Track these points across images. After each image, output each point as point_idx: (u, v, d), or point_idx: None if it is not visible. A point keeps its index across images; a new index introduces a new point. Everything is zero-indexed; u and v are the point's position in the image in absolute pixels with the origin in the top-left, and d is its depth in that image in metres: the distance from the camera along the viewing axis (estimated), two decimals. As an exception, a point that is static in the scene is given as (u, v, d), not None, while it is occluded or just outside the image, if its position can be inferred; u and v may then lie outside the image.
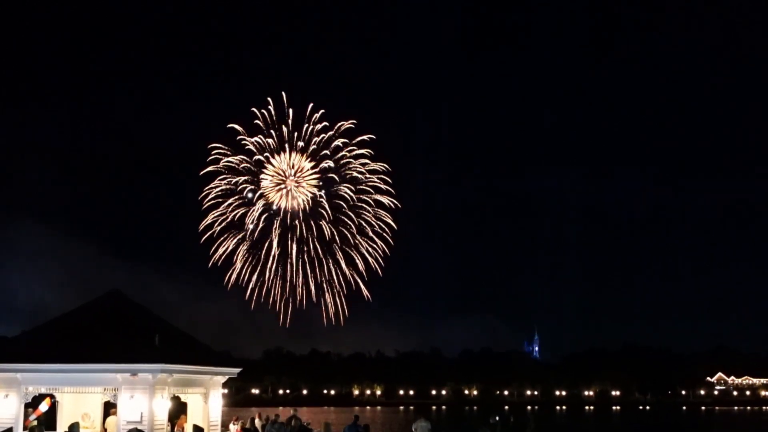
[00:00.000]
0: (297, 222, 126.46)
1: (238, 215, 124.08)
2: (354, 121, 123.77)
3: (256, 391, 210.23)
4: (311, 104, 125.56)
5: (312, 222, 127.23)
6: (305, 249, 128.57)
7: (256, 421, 33.89)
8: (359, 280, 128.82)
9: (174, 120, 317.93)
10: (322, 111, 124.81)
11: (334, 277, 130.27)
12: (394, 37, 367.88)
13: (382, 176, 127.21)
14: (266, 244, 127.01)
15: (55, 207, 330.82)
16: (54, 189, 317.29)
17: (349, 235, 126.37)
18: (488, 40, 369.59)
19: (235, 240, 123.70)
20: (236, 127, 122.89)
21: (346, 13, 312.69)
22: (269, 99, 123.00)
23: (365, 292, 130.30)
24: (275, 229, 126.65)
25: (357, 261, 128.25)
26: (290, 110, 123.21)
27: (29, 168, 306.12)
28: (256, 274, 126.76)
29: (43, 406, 28.82)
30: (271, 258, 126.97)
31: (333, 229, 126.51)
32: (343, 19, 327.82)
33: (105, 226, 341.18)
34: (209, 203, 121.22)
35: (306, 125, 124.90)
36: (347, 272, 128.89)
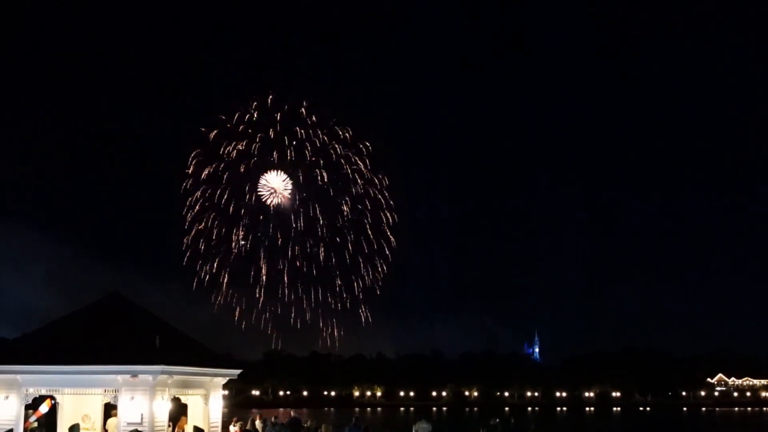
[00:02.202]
0: (288, 244, 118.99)
1: (222, 231, 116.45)
2: (348, 129, 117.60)
3: (256, 393, 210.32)
4: (304, 107, 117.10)
5: (307, 243, 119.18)
6: (298, 274, 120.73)
7: (257, 422, 33.91)
8: (358, 298, 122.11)
9: (159, 120, 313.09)
10: (314, 117, 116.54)
11: (330, 304, 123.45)
12: (390, 46, 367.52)
13: (380, 187, 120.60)
14: (254, 269, 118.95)
15: (38, 208, 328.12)
16: (37, 190, 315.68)
17: (347, 255, 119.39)
18: (487, 45, 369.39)
19: (218, 260, 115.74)
20: (223, 122, 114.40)
21: (344, 20, 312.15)
22: (257, 102, 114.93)
23: (363, 314, 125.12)
24: (263, 253, 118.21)
25: (354, 284, 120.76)
26: (278, 115, 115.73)
27: (11, 169, 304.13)
28: (244, 300, 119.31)
29: (44, 408, 28.84)
30: (259, 286, 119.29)
31: (328, 251, 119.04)
32: (341, 27, 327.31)
33: (89, 228, 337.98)
34: (192, 215, 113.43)
35: (298, 129, 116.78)
36: (344, 297, 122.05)
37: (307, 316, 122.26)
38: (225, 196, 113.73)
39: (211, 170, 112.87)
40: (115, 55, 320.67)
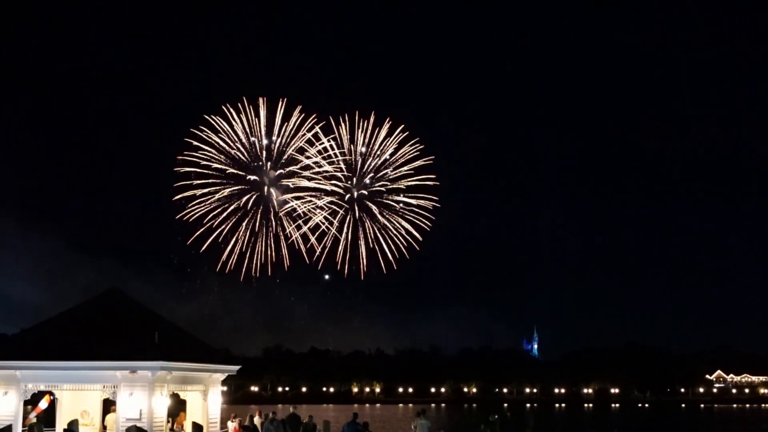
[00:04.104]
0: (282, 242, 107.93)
1: (214, 227, 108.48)
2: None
3: (255, 389, 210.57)
4: (299, 108, 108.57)
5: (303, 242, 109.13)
6: (295, 273, 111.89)
7: (255, 418, 33.91)
8: (356, 294, 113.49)
9: (145, 109, 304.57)
10: (314, 117, 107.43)
11: (328, 300, 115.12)
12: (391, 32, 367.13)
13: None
14: (249, 266, 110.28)
15: (18, 200, 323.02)
16: (17, 180, 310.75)
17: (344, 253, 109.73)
18: (487, 49, 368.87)
19: (211, 257, 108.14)
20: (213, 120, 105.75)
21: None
22: (249, 99, 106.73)
23: (361, 310, 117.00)
24: (258, 251, 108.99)
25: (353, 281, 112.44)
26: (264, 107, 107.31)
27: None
28: (240, 296, 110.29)
29: (43, 404, 28.90)
30: (254, 282, 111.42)
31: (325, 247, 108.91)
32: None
33: (77, 223, 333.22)
34: (183, 214, 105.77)
35: (288, 125, 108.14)
36: (342, 293, 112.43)
37: (306, 313, 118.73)
38: (215, 196, 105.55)
39: (200, 169, 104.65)
40: (104, 52, 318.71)
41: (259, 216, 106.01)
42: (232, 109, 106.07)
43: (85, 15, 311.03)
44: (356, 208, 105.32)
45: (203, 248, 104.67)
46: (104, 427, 29.79)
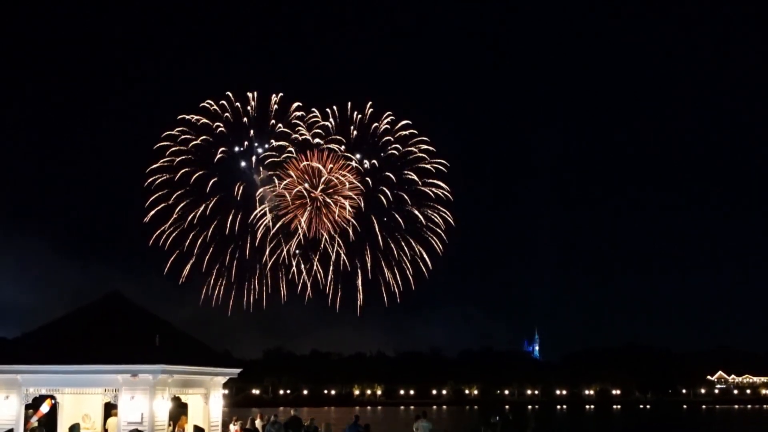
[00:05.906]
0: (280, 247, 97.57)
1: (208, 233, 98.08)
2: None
3: (256, 392, 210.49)
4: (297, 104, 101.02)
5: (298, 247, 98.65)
6: (293, 276, 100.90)
7: (257, 421, 33.91)
8: (357, 296, 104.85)
9: (138, 109, 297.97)
10: (313, 112, 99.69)
11: (328, 301, 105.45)
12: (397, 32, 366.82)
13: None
14: (248, 273, 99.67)
15: (4, 202, 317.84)
16: (3, 183, 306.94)
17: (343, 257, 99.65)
18: (487, 47, 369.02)
19: (205, 260, 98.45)
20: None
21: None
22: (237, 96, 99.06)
23: (362, 312, 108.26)
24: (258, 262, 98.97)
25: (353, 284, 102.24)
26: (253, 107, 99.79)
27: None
28: (239, 298, 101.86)
29: (44, 408, 28.87)
30: (251, 286, 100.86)
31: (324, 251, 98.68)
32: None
33: (59, 222, 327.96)
34: (177, 215, 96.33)
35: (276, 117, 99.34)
36: (342, 294, 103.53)
37: (306, 315, 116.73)
38: (196, 213, 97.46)
39: (173, 175, 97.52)
40: (87, 48, 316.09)
41: (249, 244, 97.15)
42: (217, 107, 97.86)
43: (74, 14, 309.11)
44: (354, 225, 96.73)
45: (182, 279, 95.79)
46: (105, 431, 29.77)
